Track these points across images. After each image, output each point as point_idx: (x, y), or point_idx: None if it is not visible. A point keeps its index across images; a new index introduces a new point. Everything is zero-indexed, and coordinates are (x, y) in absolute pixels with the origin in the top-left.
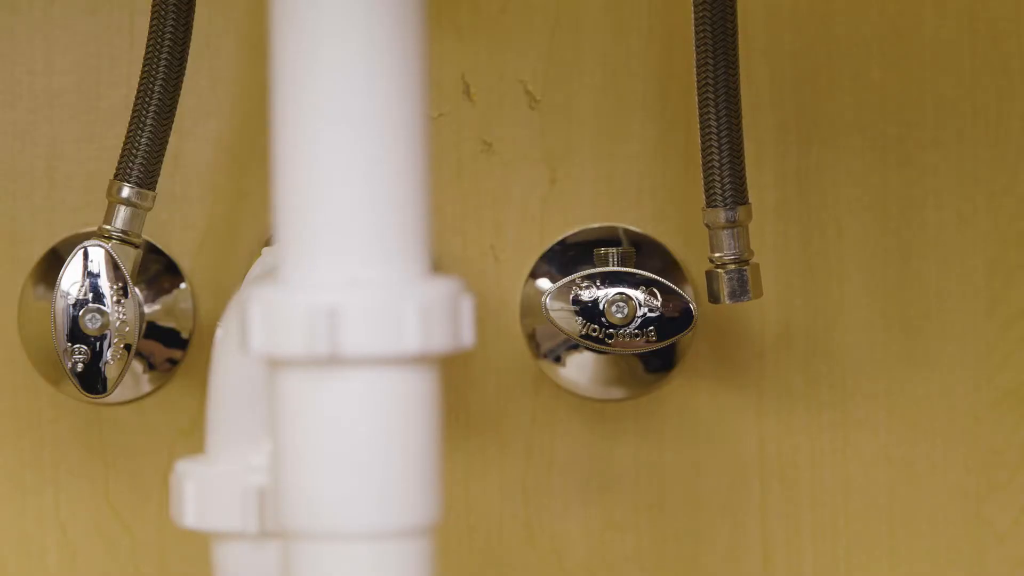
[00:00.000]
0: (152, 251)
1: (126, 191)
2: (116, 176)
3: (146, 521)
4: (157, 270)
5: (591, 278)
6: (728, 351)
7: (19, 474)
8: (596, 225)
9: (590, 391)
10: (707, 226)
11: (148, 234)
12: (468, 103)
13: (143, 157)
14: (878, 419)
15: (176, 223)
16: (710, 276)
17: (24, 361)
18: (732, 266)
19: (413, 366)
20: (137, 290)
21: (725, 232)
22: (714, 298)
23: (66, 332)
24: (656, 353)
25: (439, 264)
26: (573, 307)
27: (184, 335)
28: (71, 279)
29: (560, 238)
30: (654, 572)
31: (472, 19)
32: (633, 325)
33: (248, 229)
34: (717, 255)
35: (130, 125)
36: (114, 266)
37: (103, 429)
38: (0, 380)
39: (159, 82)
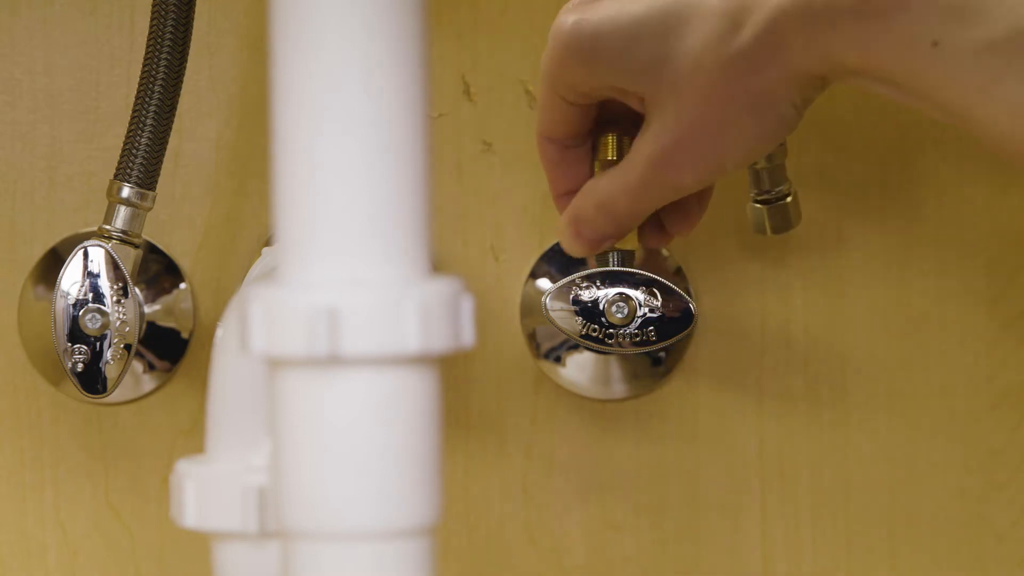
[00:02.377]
0: (152, 251)
1: (126, 191)
2: (116, 176)
3: (146, 521)
4: (157, 270)
5: (591, 278)
6: (728, 351)
7: (19, 474)
8: None
9: (590, 391)
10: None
11: (148, 234)
12: (468, 103)
13: (143, 157)
14: (878, 419)
15: (176, 223)
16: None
17: (24, 361)
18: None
19: (413, 366)
20: (137, 290)
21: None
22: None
23: (66, 332)
24: (656, 353)
25: (439, 264)
26: (573, 307)
27: (184, 335)
28: (71, 279)
29: None
30: (654, 572)
31: (472, 19)
32: (633, 325)
33: (248, 229)
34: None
35: (130, 125)
36: (114, 266)
37: (103, 429)
38: (0, 380)
39: (159, 82)
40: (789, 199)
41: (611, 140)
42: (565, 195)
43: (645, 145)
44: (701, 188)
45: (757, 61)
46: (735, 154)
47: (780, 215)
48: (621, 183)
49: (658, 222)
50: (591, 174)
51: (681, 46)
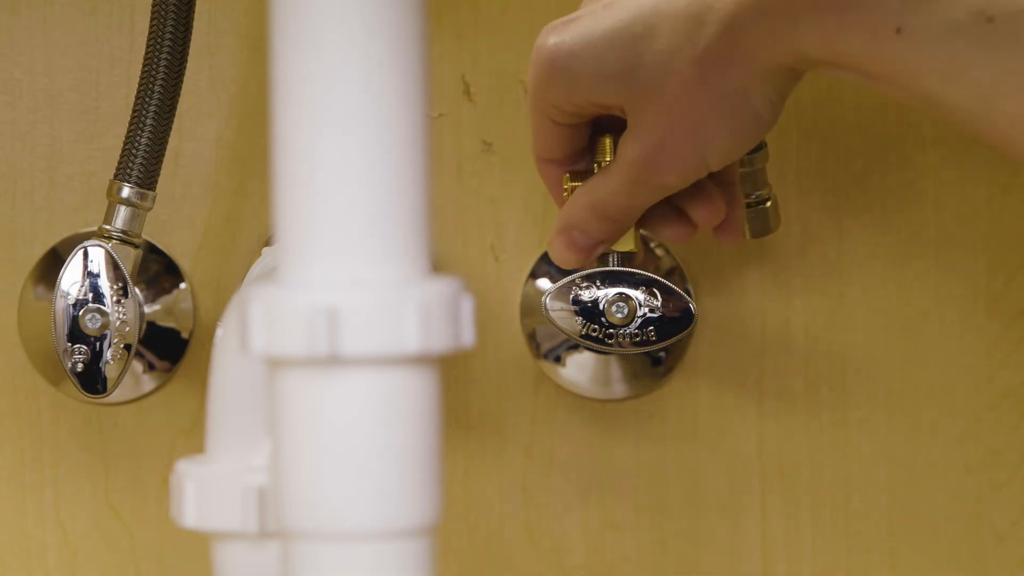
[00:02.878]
0: (152, 251)
1: (126, 191)
2: (116, 176)
3: (146, 521)
4: (157, 270)
5: (591, 278)
6: (728, 351)
7: (19, 474)
8: None
9: (590, 391)
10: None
11: (148, 234)
12: (468, 103)
13: (143, 157)
14: (878, 419)
15: (176, 223)
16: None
17: (24, 361)
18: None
19: (413, 366)
20: (137, 290)
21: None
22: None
23: (66, 332)
24: (656, 353)
25: (439, 264)
26: (573, 307)
27: (184, 335)
28: (71, 279)
29: None
30: (654, 572)
31: (472, 19)
32: (633, 325)
33: (248, 229)
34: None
35: (130, 125)
36: (114, 266)
37: (103, 429)
38: (0, 380)
39: (159, 82)
40: (769, 203)
41: (608, 142)
42: None
43: (627, 150)
44: (687, 185)
45: (723, 58)
46: (715, 152)
47: (760, 219)
48: (610, 186)
49: (682, 214)
50: None
51: (651, 52)
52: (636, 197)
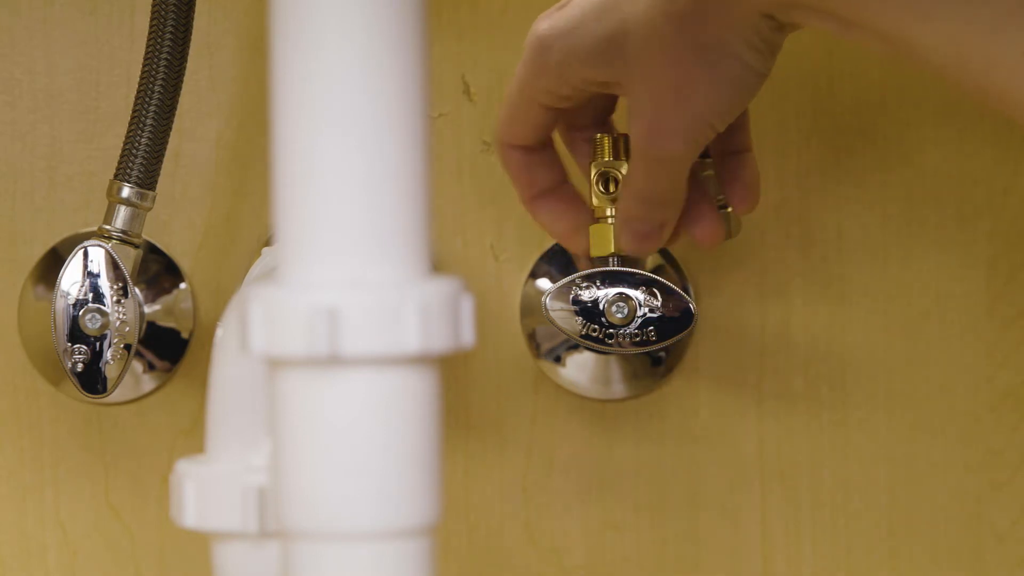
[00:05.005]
0: (152, 251)
1: (126, 191)
2: (116, 176)
3: (146, 521)
4: (157, 270)
5: (591, 278)
6: (728, 351)
7: (19, 474)
8: None
9: (590, 391)
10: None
11: (148, 234)
12: (468, 103)
13: (143, 157)
14: (878, 419)
15: (176, 223)
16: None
17: (24, 361)
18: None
19: (413, 366)
20: (137, 290)
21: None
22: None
23: (66, 332)
24: (656, 353)
25: (439, 264)
26: (573, 307)
27: (184, 335)
28: (71, 279)
29: None
30: (654, 572)
31: (472, 19)
32: (633, 325)
33: (248, 229)
34: None
35: (130, 125)
36: (114, 266)
37: (103, 429)
38: (0, 380)
39: (159, 82)
40: (729, 209)
41: (607, 140)
42: (537, 198)
43: (635, 127)
44: (701, 149)
45: (703, 9)
46: (714, 109)
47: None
48: (639, 172)
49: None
50: (561, 173)
51: (634, 19)
52: (667, 172)
